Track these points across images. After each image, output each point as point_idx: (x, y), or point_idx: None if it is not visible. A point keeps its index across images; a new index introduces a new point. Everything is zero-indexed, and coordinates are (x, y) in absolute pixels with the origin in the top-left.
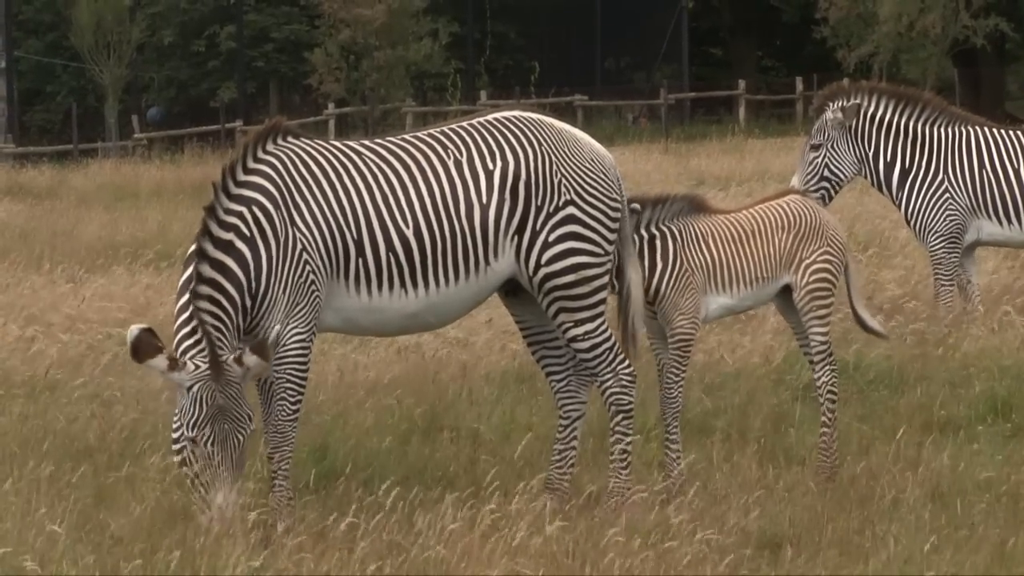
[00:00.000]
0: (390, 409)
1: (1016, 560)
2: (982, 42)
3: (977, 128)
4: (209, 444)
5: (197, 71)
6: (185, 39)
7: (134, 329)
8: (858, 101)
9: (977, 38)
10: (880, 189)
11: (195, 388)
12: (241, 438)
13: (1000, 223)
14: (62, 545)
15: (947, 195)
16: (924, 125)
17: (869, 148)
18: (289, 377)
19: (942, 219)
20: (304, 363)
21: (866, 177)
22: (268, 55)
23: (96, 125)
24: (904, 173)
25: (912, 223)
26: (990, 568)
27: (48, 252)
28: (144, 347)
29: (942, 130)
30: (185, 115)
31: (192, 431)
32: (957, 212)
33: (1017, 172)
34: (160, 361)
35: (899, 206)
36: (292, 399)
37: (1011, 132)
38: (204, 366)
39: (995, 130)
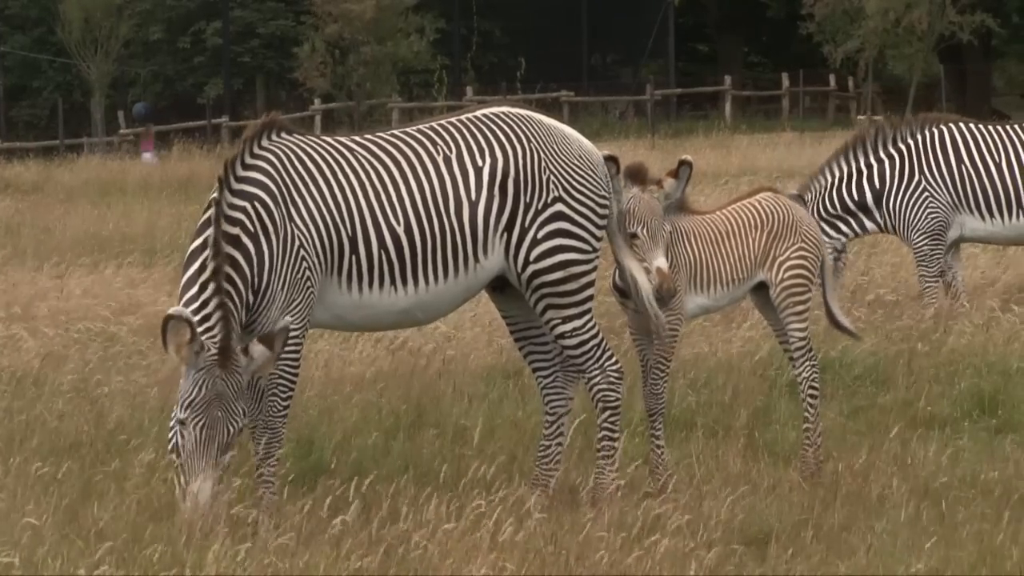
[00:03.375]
0: (376, 405)
1: (1001, 556)
2: (968, 38)
3: (952, 126)
4: (197, 428)
5: (183, 67)
6: (171, 35)
7: (178, 312)
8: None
9: (963, 34)
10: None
11: (200, 371)
12: (231, 429)
13: (982, 217)
14: (48, 541)
15: (925, 192)
16: (886, 147)
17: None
18: (281, 373)
19: (923, 216)
20: (296, 359)
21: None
22: (254, 51)
23: (82, 121)
24: (877, 192)
25: (895, 225)
26: (975, 564)
27: (34, 247)
28: (191, 331)
29: (910, 139)
30: (171, 111)
31: (184, 412)
32: (938, 208)
33: (999, 166)
34: (196, 344)
35: (882, 219)
36: (283, 395)
37: (991, 127)
38: (214, 351)
39: (973, 126)
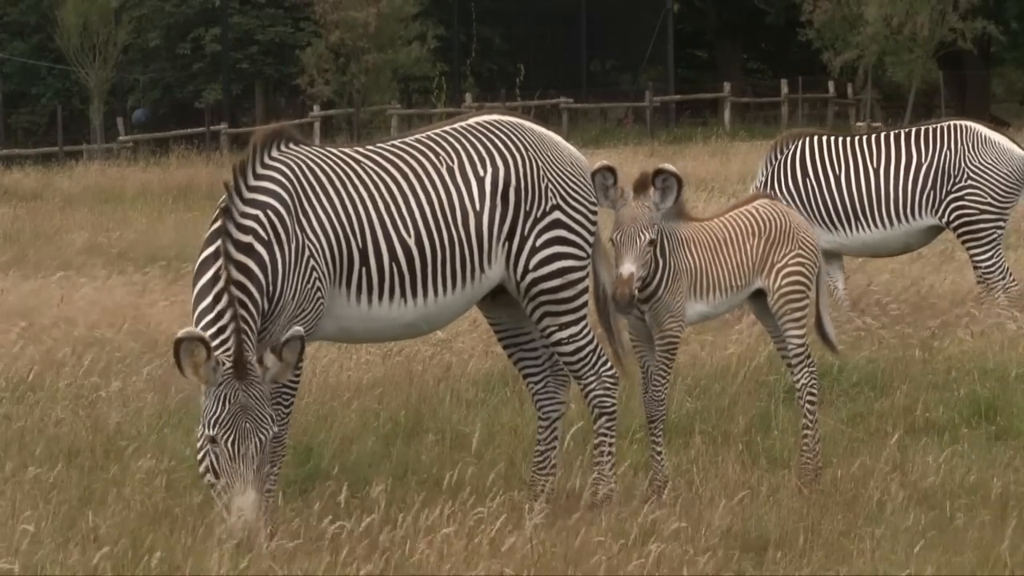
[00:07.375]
0: (374, 411)
1: (1000, 562)
2: (968, 45)
3: (807, 140)
4: (229, 443)
5: (182, 73)
6: (170, 41)
7: (189, 333)
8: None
9: (964, 41)
10: None
11: (220, 386)
12: (262, 438)
13: (829, 230)
14: (46, 547)
15: None
16: (764, 170)
17: None
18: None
19: None
20: (299, 368)
21: None
22: (253, 57)
23: (81, 127)
24: None
25: None
26: (974, 570)
27: (33, 254)
28: (206, 350)
29: (774, 159)
30: (170, 117)
31: (213, 429)
32: None
33: (838, 179)
34: (212, 362)
35: None
36: (286, 402)
37: (843, 140)
38: (229, 364)
39: (827, 139)
